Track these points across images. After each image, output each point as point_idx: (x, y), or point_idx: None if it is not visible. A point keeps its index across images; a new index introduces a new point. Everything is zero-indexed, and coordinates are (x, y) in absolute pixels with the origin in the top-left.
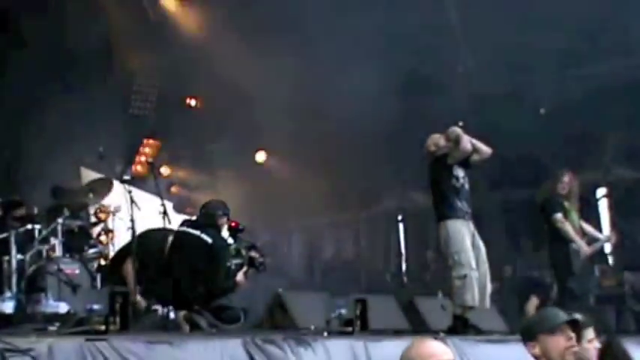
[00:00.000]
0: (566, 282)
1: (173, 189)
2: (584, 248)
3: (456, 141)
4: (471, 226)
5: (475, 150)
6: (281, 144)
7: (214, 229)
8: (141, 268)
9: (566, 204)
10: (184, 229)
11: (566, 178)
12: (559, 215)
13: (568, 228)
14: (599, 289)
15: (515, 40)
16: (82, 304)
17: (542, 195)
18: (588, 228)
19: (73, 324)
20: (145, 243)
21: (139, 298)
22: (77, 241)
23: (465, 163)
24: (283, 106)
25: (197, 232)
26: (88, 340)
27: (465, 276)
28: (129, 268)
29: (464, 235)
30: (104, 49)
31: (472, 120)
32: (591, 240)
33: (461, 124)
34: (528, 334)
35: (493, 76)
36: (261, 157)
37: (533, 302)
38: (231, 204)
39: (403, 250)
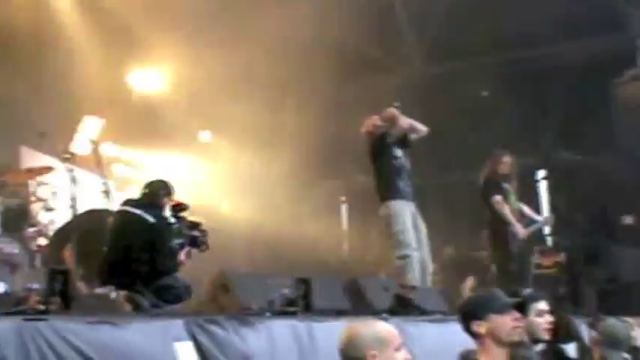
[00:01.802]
0: (505, 264)
1: (115, 168)
2: (521, 230)
3: (393, 121)
4: (413, 206)
5: (412, 129)
6: (226, 124)
7: (157, 208)
8: (81, 249)
9: (505, 186)
10: (126, 208)
11: (505, 159)
12: (498, 197)
13: (506, 210)
14: (537, 270)
15: (456, 23)
16: (21, 283)
17: (483, 176)
18: (527, 210)
19: (11, 304)
20: (85, 222)
21: (79, 284)
22: (16, 220)
23: (404, 143)
24: (228, 86)
25: (139, 212)
26: (26, 320)
27: (406, 256)
28: (68, 254)
29: (406, 215)
30: (42, 29)
31: (412, 101)
32: (529, 222)
33: (397, 104)
34: (475, 313)
35: (435, 57)
36: (205, 136)
37: (469, 282)
38: (173, 183)
39: (346, 230)
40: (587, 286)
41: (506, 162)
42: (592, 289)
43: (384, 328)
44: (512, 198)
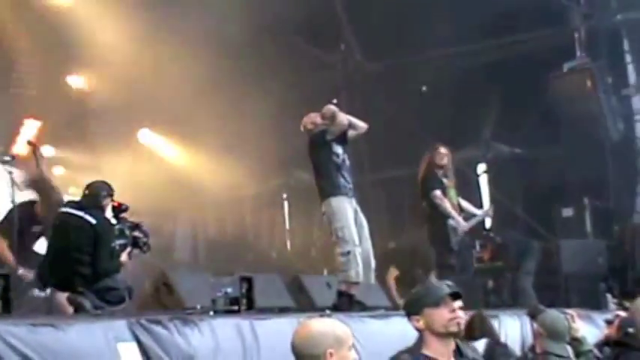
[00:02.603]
0: (445, 258)
1: (55, 170)
2: (462, 224)
3: (332, 118)
4: (354, 202)
5: (351, 126)
6: (165, 123)
7: (98, 209)
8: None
9: (444, 180)
10: (68, 209)
11: (442, 150)
12: (437, 192)
13: (446, 205)
14: (478, 263)
15: (395, 18)
16: None
17: (421, 172)
18: (466, 204)
19: None
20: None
21: (22, 271)
22: None
23: (343, 139)
24: (168, 85)
25: (81, 213)
26: None
27: (348, 252)
28: (2, 245)
29: (347, 211)
30: None
31: (352, 97)
32: (469, 216)
33: (335, 101)
34: (413, 308)
35: (374, 53)
36: (144, 136)
37: (393, 273)
38: (114, 184)
39: (288, 228)
40: (528, 279)
41: (443, 155)
42: (533, 281)
43: (341, 327)
44: (452, 192)
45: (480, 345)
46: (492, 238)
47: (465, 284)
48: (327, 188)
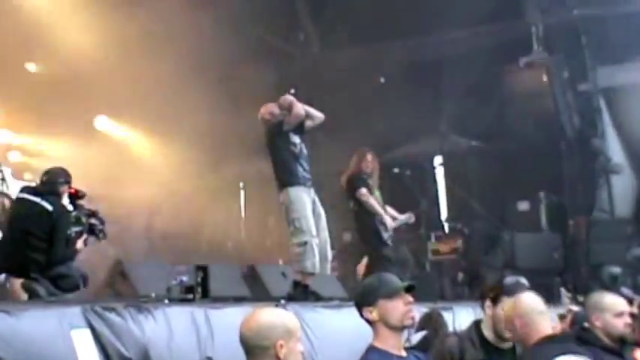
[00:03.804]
0: (379, 250)
1: (12, 155)
2: (390, 221)
3: (290, 108)
4: (312, 192)
5: (308, 116)
6: (122, 111)
7: (55, 196)
8: None
9: (370, 182)
10: (24, 195)
11: (369, 157)
12: (363, 190)
13: (373, 202)
14: (435, 256)
15: (353, 9)
16: None
17: (348, 173)
18: (390, 210)
19: None
20: None
21: None
22: None
23: (300, 129)
24: (125, 72)
25: (37, 199)
26: None
27: (305, 243)
28: None
29: (305, 201)
30: None
31: (310, 87)
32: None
33: (292, 91)
34: (366, 299)
35: (332, 44)
36: (101, 123)
37: (364, 261)
38: (71, 171)
39: (244, 218)
40: (486, 272)
41: (370, 159)
42: (490, 274)
43: (291, 318)
44: (377, 193)
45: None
46: (460, 229)
47: (419, 276)
48: (285, 178)
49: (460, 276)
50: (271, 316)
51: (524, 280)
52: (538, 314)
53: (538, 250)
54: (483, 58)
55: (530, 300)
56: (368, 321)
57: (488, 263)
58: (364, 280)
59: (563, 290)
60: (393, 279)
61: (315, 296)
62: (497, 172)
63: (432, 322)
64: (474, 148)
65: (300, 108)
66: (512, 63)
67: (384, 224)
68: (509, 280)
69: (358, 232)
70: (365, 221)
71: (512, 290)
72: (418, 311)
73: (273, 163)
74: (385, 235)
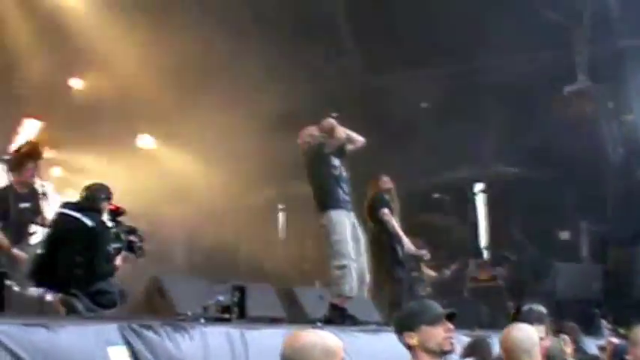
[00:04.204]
0: (394, 272)
1: (54, 170)
2: (409, 243)
3: (331, 131)
4: (352, 216)
5: (349, 140)
6: (165, 130)
7: (95, 212)
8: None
9: (392, 205)
10: (65, 210)
11: (385, 177)
12: (386, 210)
13: (394, 223)
14: (473, 283)
15: (397, 33)
16: None
17: (370, 193)
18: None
19: None
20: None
21: (17, 251)
22: None
23: (341, 153)
24: (169, 92)
25: (78, 215)
26: None
27: (344, 266)
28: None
29: (345, 225)
30: None
31: (351, 111)
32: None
33: (335, 114)
34: (407, 325)
35: (375, 68)
36: (143, 141)
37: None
38: (112, 187)
39: (283, 239)
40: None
41: (386, 179)
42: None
43: (332, 339)
44: (395, 218)
45: None
46: (506, 257)
47: (457, 303)
48: (327, 201)
49: (509, 305)
50: (311, 337)
51: (540, 308)
52: (523, 352)
53: (578, 281)
54: (527, 86)
55: (519, 335)
56: (407, 346)
57: (534, 292)
58: (405, 305)
59: (603, 322)
60: (434, 305)
61: (353, 320)
62: (539, 201)
63: (479, 350)
64: (515, 176)
65: (342, 131)
66: (557, 91)
67: (401, 245)
68: (525, 307)
69: (374, 251)
70: (383, 241)
71: (525, 318)
72: (457, 338)
73: (313, 186)
74: (402, 256)
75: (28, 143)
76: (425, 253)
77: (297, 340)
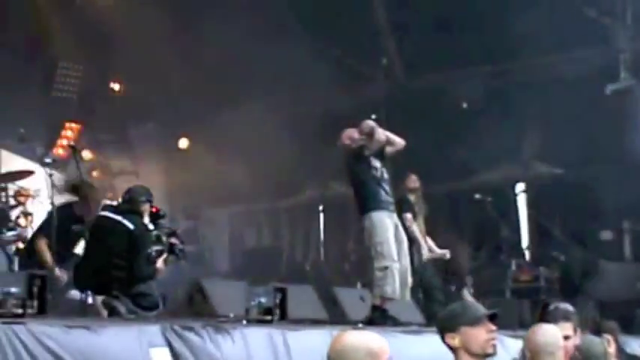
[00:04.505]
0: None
1: (94, 173)
2: (426, 249)
3: (370, 133)
4: (395, 218)
5: (389, 142)
6: (205, 132)
7: (136, 215)
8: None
9: (416, 208)
10: (106, 213)
11: (413, 176)
12: (409, 215)
13: (415, 228)
14: (514, 283)
15: (438, 34)
16: None
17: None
18: (429, 241)
19: None
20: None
21: (58, 272)
22: None
23: (381, 154)
24: (209, 94)
25: (119, 218)
26: (4, 323)
27: (386, 268)
28: (42, 244)
29: (387, 226)
30: (28, 31)
31: (393, 113)
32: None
33: (373, 117)
34: (448, 326)
35: (416, 69)
36: (183, 143)
37: None
38: (153, 190)
39: (322, 240)
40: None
41: (414, 180)
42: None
43: (377, 341)
44: (420, 220)
45: None
46: (556, 256)
47: (499, 303)
48: (368, 202)
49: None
50: (355, 338)
51: (567, 306)
52: (547, 355)
53: (621, 281)
54: (570, 85)
55: (543, 338)
56: (450, 347)
57: (594, 294)
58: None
59: None
60: (476, 306)
61: (394, 321)
62: (581, 201)
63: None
64: (557, 176)
65: (381, 133)
66: (599, 90)
67: (419, 253)
68: (551, 306)
69: None
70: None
71: (551, 317)
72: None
73: (354, 188)
74: (416, 261)
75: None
76: (444, 253)
77: (340, 342)
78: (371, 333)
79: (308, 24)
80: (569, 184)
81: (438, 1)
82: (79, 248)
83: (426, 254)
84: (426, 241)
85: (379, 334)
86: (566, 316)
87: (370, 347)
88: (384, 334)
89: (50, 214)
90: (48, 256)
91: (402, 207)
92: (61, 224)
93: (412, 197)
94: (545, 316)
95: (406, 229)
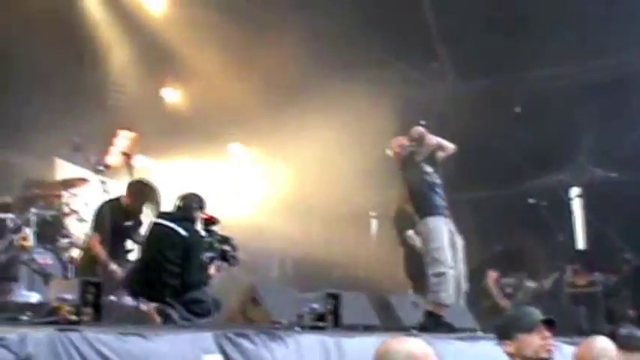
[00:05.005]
0: (421, 281)
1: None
2: None
3: (420, 139)
4: (450, 223)
5: (440, 147)
6: (256, 139)
7: (189, 222)
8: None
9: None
10: (159, 220)
11: None
12: (410, 232)
13: (418, 244)
14: (571, 289)
15: (490, 38)
16: (54, 293)
17: (396, 210)
18: None
19: (44, 314)
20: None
21: (114, 267)
22: (49, 231)
23: (432, 160)
24: (260, 101)
25: (172, 225)
26: (59, 330)
27: (441, 274)
28: (94, 240)
29: (443, 232)
30: (79, 44)
31: (446, 117)
32: None
33: (423, 122)
34: (504, 332)
35: (467, 73)
36: (235, 151)
37: (492, 276)
38: (205, 197)
39: (375, 247)
40: None
41: None
42: None
43: (419, 347)
44: None
45: None
46: (627, 259)
47: (555, 309)
48: (424, 208)
49: (630, 313)
50: (396, 344)
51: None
52: None
53: None
54: (624, 87)
55: (595, 348)
56: (507, 353)
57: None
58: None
59: None
60: (532, 312)
61: (448, 327)
62: (637, 204)
63: None
64: (612, 179)
65: (431, 139)
66: None
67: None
68: (623, 331)
69: (405, 267)
70: (412, 261)
71: (623, 344)
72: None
73: (409, 194)
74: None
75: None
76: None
77: (384, 346)
78: (418, 340)
79: (361, 29)
80: (625, 188)
81: (488, 4)
82: (131, 244)
83: None
84: None
85: (432, 341)
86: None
87: (412, 352)
88: (438, 340)
89: (100, 210)
90: (102, 252)
91: (401, 224)
92: (112, 218)
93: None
94: (616, 339)
95: (412, 245)
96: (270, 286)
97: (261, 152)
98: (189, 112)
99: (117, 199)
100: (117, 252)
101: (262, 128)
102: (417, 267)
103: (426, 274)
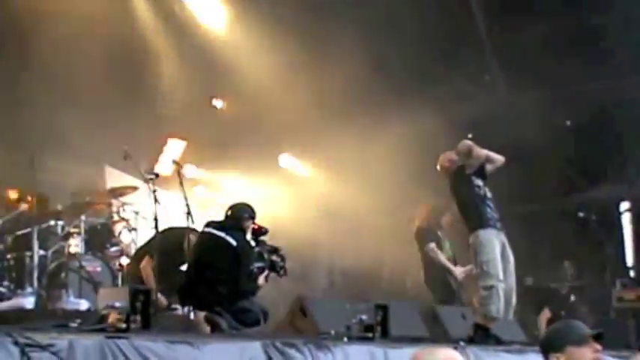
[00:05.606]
0: (447, 301)
1: (197, 189)
2: (457, 273)
3: (468, 153)
4: (502, 236)
5: (488, 159)
6: (306, 150)
7: (239, 231)
8: (160, 267)
9: (439, 233)
10: (210, 230)
11: (451, 217)
12: (432, 245)
13: (440, 257)
14: (619, 302)
15: (542, 51)
16: (103, 301)
17: (419, 223)
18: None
19: (93, 321)
20: (164, 241)
21: (159, 296)
22: (99, 239)
23: (482, 173)
24: (312, 112)
25: (222, 234)
26: (108, 337)
27: (491, 287)
28: (147, 267)
29: (494, 245)
30: (133, 47)
31: (494, 129)
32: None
33: (470, 136)
34: (554, 345)
35: (518, 85)
36: (285, 161)
37: (546, 314)
38: (255, 207)
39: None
40: None
41: (450, 222)
42: None
43: (447, 356)
44: (447, 245)
45: None
46: (635, 277)
47: (603, 323)
48: (476, 221)
49: None
50: (425, 355)
51: None
52: None
53: None
54: None
55: None
56: None
57: None
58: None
59: None
60: (581, 326)
61: (496, 340)
62: None
63: None
64: None
65: (480, 152)
66: None
67: (453, 276)
68: None
69: (426, 281)
70: (432, 272)
71: None
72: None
73: (460, 207)
74: (454, 284)
75: None
76: (470, 269)
77: (418, 355)
78: (449, 350)
79: (406, 38)
80: None
81: (540, 18)
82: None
83: (460, 277)
84: (455, 265)
85: (480, 353)
86: None
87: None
88: (486, 353)
89: (160, 234)
90: (152, 279)
91: (424, 237)
92: (170, 248)
93: (440, 232)
94: None
95: (432, 259)
96: (319, 297)
97: (311, 164)
98: (239, 122)
99: (181, 231)
100: (167, 282)
101: (311, 140)
102: (437, 279)
103: (445, 285)
